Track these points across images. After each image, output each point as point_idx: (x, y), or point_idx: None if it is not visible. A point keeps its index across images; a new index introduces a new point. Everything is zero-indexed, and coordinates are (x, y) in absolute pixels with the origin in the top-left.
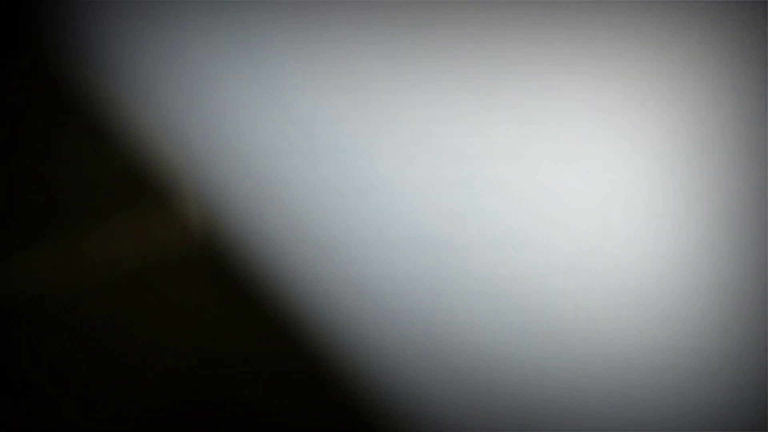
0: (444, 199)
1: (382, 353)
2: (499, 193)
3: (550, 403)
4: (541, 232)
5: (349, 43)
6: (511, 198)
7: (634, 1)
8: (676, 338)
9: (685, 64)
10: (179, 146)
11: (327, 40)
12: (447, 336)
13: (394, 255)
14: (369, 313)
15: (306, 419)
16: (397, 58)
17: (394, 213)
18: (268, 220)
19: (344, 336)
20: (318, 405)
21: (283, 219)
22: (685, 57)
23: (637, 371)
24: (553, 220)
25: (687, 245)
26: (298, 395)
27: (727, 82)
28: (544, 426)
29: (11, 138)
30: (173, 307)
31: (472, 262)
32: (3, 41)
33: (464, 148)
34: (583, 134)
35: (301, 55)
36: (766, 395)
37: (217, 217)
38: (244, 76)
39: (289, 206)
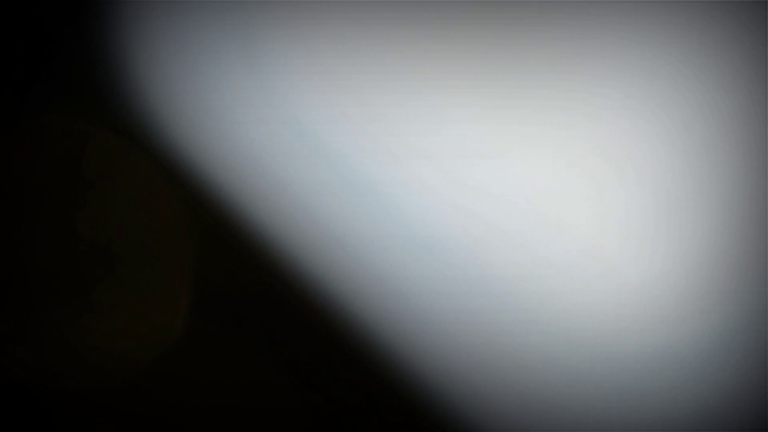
0: (443, 199)
1: (382, 351)
2: (498, 192)
3: (549, 402)
4: (541, 231)
5: (344, 44)
6: (511, 197)
7: (634, 1)
8: (676, 338)
9: (685, 64)
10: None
11: (321, 41)
12: (447, 335)
13: (390, 255)
14: (371, 312)
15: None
16: (392, 59)
17: (392, 212)
18: (264, 219)
19: (345, 333)
20: (309, 406)
21: (280, 218)
22: (685, 57)
23: (637, 371)
24: (553, 220)
25: (687, 245)
26: (288, 400)
27: (727, 82)
28: (545, 425)
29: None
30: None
31: (472, 261)
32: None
33: (462, 148)
34: (583, 134)
35: (296, 54)
36: (766, 395)
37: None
38: (239, 75)
39: (285, 206)
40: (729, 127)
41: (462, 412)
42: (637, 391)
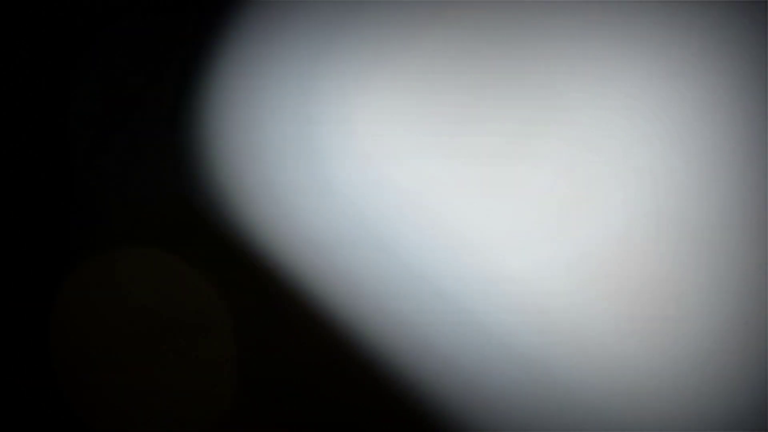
0: (440, 199)
1: (365, 351)
2: (495, 193)
3: (547, 403)
4: (538, 232)
5: (319, 44)
6: (509, 198)
7: (634, 1)
8: (676, 339)
9: (685, 64)
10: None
11: (296, 44)
12: (433, 336)
13: (371, 256)
14: (356, 312)
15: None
16: (386, 60)
17: (378, 213)
18: (247, 218)
19: (332, 330)
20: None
21: (257, 219)
22: (685, 57)
23: (637, 371)
24: (550, 221)
25: (687, 245)
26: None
27: (727, 82)
28: (543, 426)
29: None
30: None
31: (470, 262)
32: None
33: (460, 149)
34: (583, 134)
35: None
36: (766, 395)
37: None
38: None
39: (265, 207)
40: (729, 127)
41: (425, 414)
42: (635, 390)
